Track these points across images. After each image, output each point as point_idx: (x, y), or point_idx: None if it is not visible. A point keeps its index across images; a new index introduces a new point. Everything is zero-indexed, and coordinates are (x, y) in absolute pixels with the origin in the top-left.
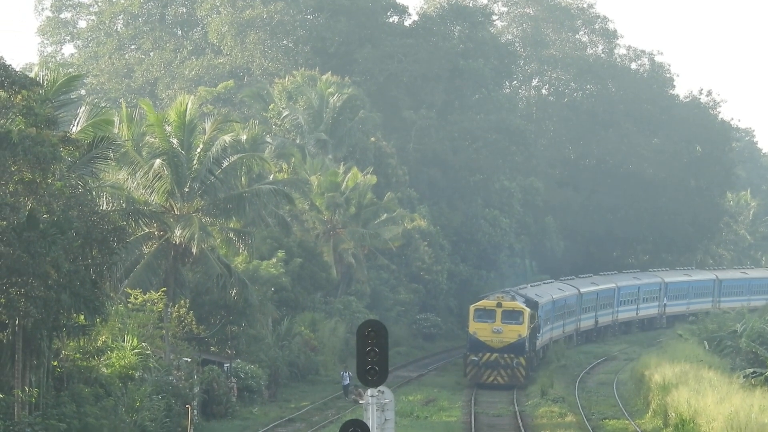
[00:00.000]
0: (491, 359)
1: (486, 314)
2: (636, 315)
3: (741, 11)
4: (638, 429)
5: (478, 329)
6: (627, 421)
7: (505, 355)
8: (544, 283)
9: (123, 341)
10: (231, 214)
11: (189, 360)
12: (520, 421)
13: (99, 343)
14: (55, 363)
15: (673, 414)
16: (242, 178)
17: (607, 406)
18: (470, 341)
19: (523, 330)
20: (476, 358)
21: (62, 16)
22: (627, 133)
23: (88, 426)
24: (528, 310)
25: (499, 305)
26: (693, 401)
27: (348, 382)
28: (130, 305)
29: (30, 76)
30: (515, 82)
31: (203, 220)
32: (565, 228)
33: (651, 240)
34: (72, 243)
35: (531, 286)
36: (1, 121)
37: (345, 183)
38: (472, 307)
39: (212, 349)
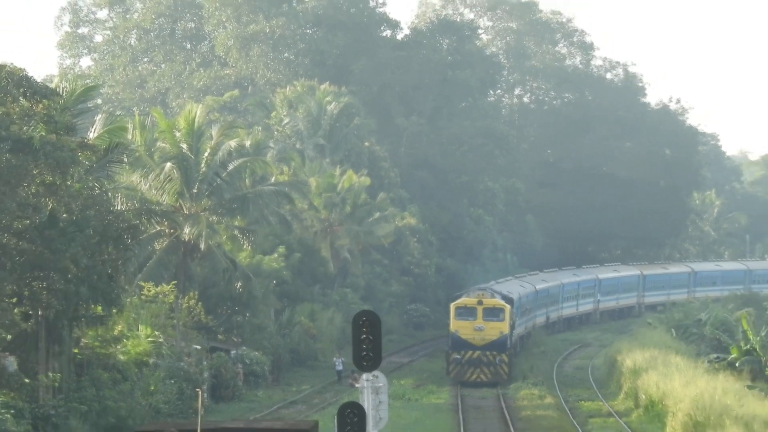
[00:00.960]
0: (474, 357)
1: (467, 312)
2: (617, 304)
3: (708, 26)
4: (611, 410)
5: (460, 327)
6: (601, 403)
7: (488, 353)
8: (526, 276)
9: (137, 330)
10: (236, 213)
11: (198, 347)
12: (503, 403)
13: (116, 332)
14: (76, 350)
15: (643, 396)
16: (246, 180)
17: (582, 389)
18: (452, 339)
19: (505, 327)
20: (459, 357)
21: (80, 31)
22: (602, 137)
23: (107, 408)
24: (509, 306)
25: (480, 303)
26: (661, 384)
27: (341, 368)
28: (143, 297)
29: (50, 86)
30: (499, 90)
31: (210, 218)
32: (545, 225)
33: (623, 236)
34: (90, 240)
35: (516, 278)
36: (24, 128)
37: (341, 184)
38: (452, 305)
39: (219, 337)
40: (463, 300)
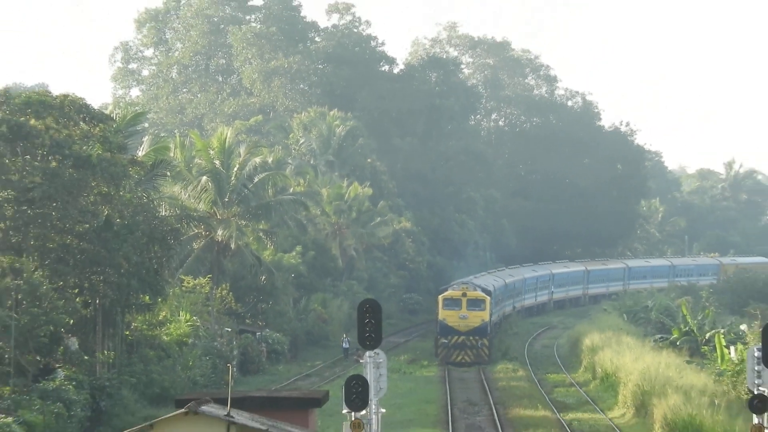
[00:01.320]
0: (459, 341)
1: (453, 303)
2: (566, 295)
3: (653, 63)
4: (573, 381)
5: (447, 316)
6: (564, 375)
7: (471, 337)
8: (495, 271)
9: (179, 316)
10: (260, 218)
11: (229, 330)
12: (483, 376)
13: (160, 317)
14: (127, 333)
15: (600, 369)
16: (269, 191)
17: (549, 363)
18: (440, 326)
19: (486, 315)
20: (446, 341)
21: (130, 66)
22: (565, 155)
23: (153, 380)
24: (489, 298)
25: (464, 295)
26: (615, 359)
27: (347, 346)
28: (183, 288)
29: (105, 113)
30: (478, 116)
31: (239, 222)
32: (517, 227)
33: (583, 236)
34: (139, 241)
35: (489, 273)
36: (84, 148)
37: (348, 194)
38: (440, 297)
39: (247, 321)
40: (449, 292)
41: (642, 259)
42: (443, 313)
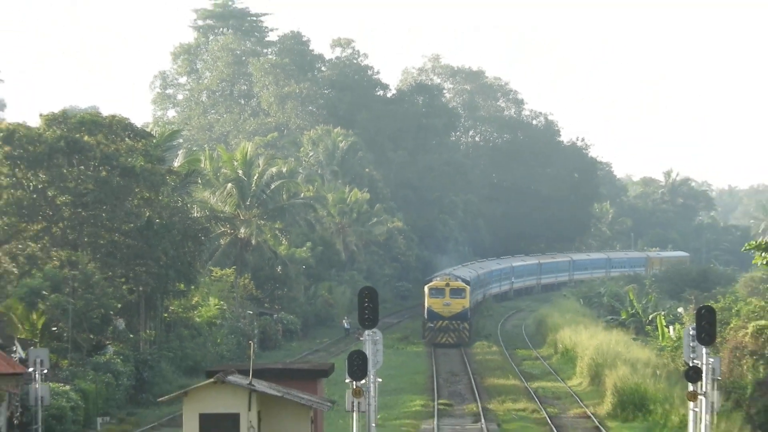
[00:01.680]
0: (443, 325)
1: (438, 292)
2: (524, 284)
3: (606, 88)
4: (538, 355)
5: (432, 303)
6: (531, 350)
7: (454, 322)
8: (470, 264)
9: (208, 301)
10: (276, 218)
11: (251, 312)
12: (462, 351)
13: (193, 302)
14: (165, 315)
15: (561, 345)
16: (283, 195)
17: (518, 341)
18: (427, 312)
19: (466, 302)
20: (432, 325)
21: (167, 91)
22: (530, 165)
23: (187, 355)
24: (468, 287)
25: (447, 285)
26: (573, 337)
27: (348, 326)
28: (212, 277)
29: (146, 130)
30: (458, 133)
31: (258, 222)
32: (490, 226)
33: (545, 234)
34: (175, 238)
35: (463, 265)
36: (129, 160)
37: (349, 198)
38: (426, 287)
39: (265, 305)
40: (434, 283)
41: (584, 253)
42: (429, 301)
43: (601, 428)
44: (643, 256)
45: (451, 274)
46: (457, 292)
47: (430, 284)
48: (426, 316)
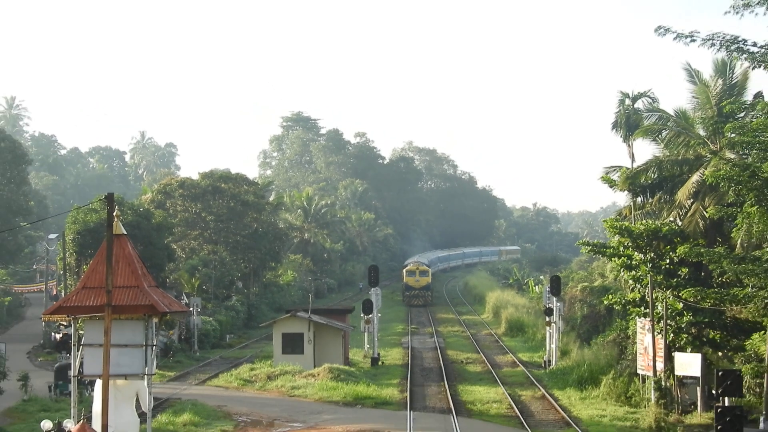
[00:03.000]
0: (415, 293)
1: (411, 273)
2: (454, 264)
3: (503, 152)
4: (465, 302)
5: (408, 280)
6: (462, 300)
7: (422, 291)
8: (427, 252)
9: (287, 272)
10: (324, 228)
11: (309, 278)
12: (428, 310)
13: (279, 272)
14: (264, 279)
15: (476, 295)
16: (328, 216)
17: (455, 295)
18: (405, 286)
19: (429, 279)
20: (408, 294)
21: (266, 160)
22: (460, 200)
23: (275, 301)
24: (430, 269)
25: (417, 269)
26: (484, 291)
27: (361, 286)
28: (289, 260)
29: (254, 181)
30: (421, 183)
31: (314, 230)
32: (439, 232)
33: (468, 236)
34: (270, 239)
35: (424, 253)
36: (245, 196)
37: (362, 217)
38: (404, 270)
39: (317, 275)
40: (409, 266)
41: (476, 248)
42: (406, 279)
43: (499, 341)
44: (496, 249)
45: (418, 261)
46: (423, 273)
47: (407, 268)
48: (404, 288)
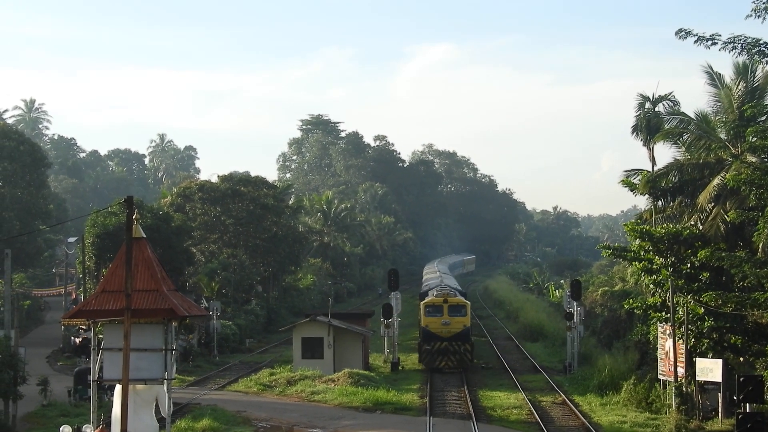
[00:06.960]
0: (442, 347)
1: (435, 310)
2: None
3: (528, 161)
4: (485, 305)
5: (429, 323)
6: (481, 302)
7: (454, 343)
8: (446, 257)
9: (306, 276)
10: (344, 232)
11: (329, 282)
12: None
13: (298, 276)
14: (283, 283)
15: (497, 298)
16: (347, 219)
17: (473, 297)
18: (423, 333)
19: (467, 320)
20: (429, 347)
21: (286, 163)
22: (481, 204)
23: (295, 305)
24: (469, 303)
25: (445, 301)
26: (504, 294)
27: (381, 291)
28: (309, 264)
29: (274, 184)
30: (441, 186)
31: (334, 234)
32: (460, 237)
33: (488, 241)
34: (289, 242)
35: (444, 257)
36: (264, 199)
37: (382, 221)
38: (422, 305)
39: (337, 278)
40: (430, 299)
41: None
42: (426, 320)
43: (520, 345)
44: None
45: (446, 286)
46: (456, 309)
47: (426, 301)
48: (422, 338)
